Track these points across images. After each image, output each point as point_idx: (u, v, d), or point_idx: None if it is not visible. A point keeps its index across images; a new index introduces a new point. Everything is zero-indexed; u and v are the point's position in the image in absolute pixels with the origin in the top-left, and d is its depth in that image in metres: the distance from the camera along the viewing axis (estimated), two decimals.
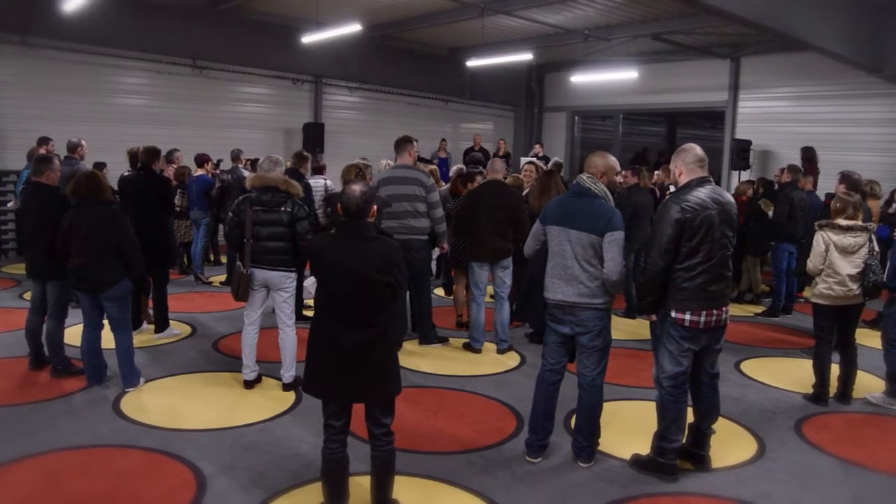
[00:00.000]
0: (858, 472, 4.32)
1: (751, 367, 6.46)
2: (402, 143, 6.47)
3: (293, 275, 5.28)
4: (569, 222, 4.05)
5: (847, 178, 6.77)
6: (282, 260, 5.15)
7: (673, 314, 3.93)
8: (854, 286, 5.20)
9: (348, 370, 3.32)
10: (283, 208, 5.11)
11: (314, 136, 13.38)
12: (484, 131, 16.75)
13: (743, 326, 7.93)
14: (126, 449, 4.29)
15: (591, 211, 4.03)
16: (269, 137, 13.31)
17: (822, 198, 10.34)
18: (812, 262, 5.39)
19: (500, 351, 6.57)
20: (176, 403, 5.08)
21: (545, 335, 4.29)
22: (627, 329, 7.52)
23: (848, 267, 5.20)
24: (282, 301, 5.26)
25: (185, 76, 12.25)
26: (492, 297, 6.68)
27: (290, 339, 5.31)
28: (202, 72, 12.42)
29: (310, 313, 7.46)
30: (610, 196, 4.15)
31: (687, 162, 3.99)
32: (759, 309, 8.84)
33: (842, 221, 5.26)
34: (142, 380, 5.39)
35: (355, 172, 5.67)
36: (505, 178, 6.82)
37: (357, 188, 3.36)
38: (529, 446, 4.33)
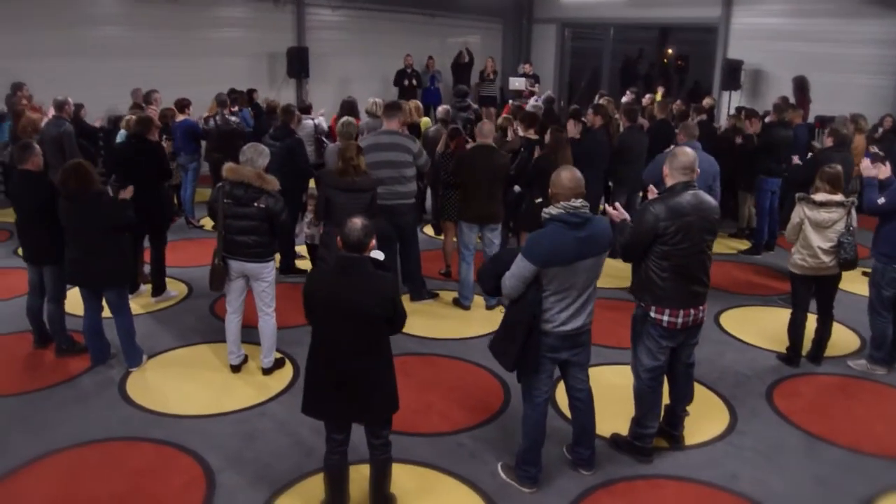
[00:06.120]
0: (821, 448, 4.65)
1: (730, 319, 6.72)
2: (392, 109, 6.39)
3: (270, 264, 5.21)
4: (581, 255, 3.73)
5: (836, 133, 6.79)
6: (255, 252, 5.07)
7: (652, 314, 4.14)
8: (827, 259, 5.40)
9: (347, 394, 3.49)
10: (256, 204, 4.96)
11: (298, 60, 13.04)
12: (471, 45, 16.29)
13: (725, 267, 8.11)
14: (137, 442, 4.54)
15: (598, 231, 3.82)
16: (252, 64, 12.94)
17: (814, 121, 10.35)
18: (787, 233, 5.64)
19: (489, 307, 6.79)
20: (179, 384, 5.30)
21: (538, 368, 3.91)
22: (607, 272, 7.14)
23: (820, 240, 5.38)
24: (261, 290, 5.23)
25: (159, 2, 11.73)
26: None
27: (269, 326, 5.31)
28: None
29: (302, 264, 7.68)
30: None
31: (673, 167, 4.13)
32: (743, 245, 9.04)
33: (817, 197, 5.38)
34: (144, 357, 5.58)
35: (356, 150, 5.52)
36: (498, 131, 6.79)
37: (358, 221, 3.41)
38: (532, 479, 4.13)
